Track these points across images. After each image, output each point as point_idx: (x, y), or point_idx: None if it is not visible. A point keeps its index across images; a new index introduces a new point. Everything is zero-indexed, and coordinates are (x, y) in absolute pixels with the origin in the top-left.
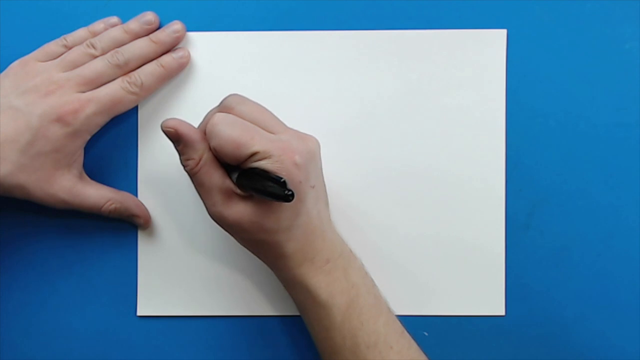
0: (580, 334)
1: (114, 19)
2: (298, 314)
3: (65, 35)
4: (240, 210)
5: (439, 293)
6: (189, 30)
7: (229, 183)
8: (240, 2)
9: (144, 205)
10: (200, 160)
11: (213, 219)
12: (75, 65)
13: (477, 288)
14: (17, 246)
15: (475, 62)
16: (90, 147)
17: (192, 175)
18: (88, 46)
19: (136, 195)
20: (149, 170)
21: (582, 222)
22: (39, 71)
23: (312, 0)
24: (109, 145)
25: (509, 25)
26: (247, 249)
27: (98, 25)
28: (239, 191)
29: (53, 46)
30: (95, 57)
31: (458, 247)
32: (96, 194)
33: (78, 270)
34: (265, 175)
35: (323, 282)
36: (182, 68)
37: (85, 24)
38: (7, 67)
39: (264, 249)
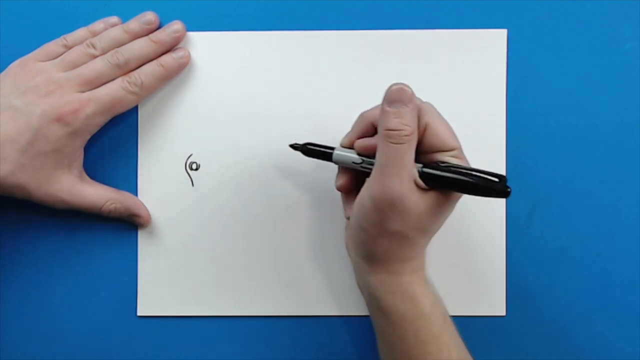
0: (580, 334)
1: (114, 19)
2: (298, 314)
3: (65, 35)
4: (421, 200)
5: (439, 293)
6: (189, 30)
7: (415, 171)
8: (240, 2)
9: (144, 205)
10: (412, 132)
11: (380, 195)
12: (75, 65)
13: (478, 288)
14: (17, 246)
15: (476, 62)
16: (90, 147)
17: (398, 143)
18: (88, 46)
19: (136, 195)
20: (149, 170)
21: (582, 222)
22: (39, 71)
23: (312, 0)
24: (109, 145)
25: (509, 25)
26: (366, 245)
27: (98, 25)
28: (420, 182)
29: (53, 46)
30: (95, 57)
31: (459, 247)
32: (96, 194)
33: (78, 270)
34: (471, 172)
35: (424, 292)
36: (182, 68)
37: (85, 24)
38: (7, 67)
39: (396, 246)
